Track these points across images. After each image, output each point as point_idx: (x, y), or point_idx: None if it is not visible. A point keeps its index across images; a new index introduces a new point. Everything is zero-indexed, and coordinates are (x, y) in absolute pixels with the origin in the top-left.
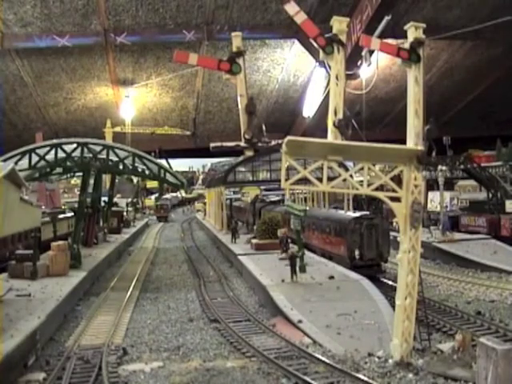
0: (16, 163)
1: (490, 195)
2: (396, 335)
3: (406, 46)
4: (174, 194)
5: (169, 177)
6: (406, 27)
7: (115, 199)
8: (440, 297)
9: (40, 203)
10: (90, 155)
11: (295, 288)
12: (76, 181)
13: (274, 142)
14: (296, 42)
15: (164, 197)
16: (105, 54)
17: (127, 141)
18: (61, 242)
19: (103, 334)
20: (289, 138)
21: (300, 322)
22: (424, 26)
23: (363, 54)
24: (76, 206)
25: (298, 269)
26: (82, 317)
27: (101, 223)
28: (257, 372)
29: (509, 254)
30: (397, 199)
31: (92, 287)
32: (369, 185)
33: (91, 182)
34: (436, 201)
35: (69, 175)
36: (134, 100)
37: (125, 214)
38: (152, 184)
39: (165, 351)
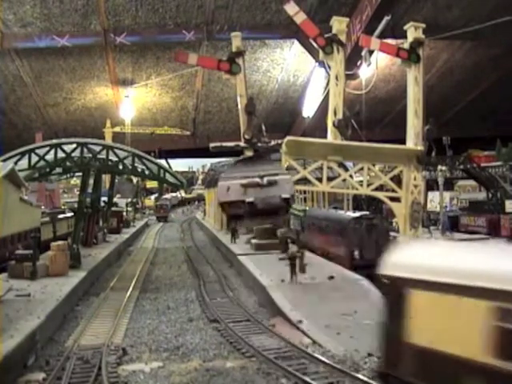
0: (16, 163)
1: (490, 195)
2: None
3: (406, 46)
4: (174, 194)
5: (168, 177)
6: (405, 27)
7: (115, 199)
8: None
9: (40, 203)
10: (90, 155)
11: (295, 288)
12: (76, 181)
13: (273, 142)
14: (296, 42)
15: (164, 197)
16: (104, 54)
17: (127, 141)
18: (60, 242)
19: (103, 334)
20: (289, 138)
21: (300, 322)
22: (424, 26)
23: (363, 54)
24: (76, 206)
25: (297, 269)
26: (81, 317)
27: (100, 223)
28: (256, 372)
29: None
30: (396, 199)
31: (92, 287)
32: (369, 185)
33: (91, 182)
34: (436, 201)
35: (68, 175)
36: (134, 100)
37: (124, 214)
38: (152, 184)
39: (164, 351)
